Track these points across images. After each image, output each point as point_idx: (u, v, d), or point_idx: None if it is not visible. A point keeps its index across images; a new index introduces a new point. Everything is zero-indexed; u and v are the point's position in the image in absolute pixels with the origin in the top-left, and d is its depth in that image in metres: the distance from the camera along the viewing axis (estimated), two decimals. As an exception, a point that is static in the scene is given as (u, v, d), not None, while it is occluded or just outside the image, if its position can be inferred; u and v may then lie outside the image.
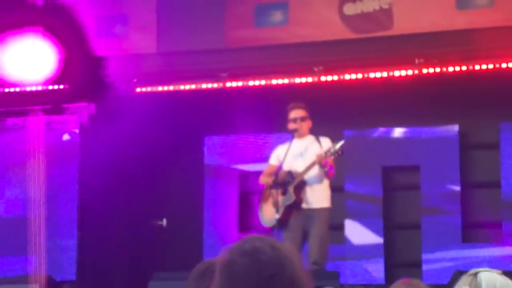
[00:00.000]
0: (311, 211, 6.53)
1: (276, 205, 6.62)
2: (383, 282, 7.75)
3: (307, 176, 6.60)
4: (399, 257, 8.14)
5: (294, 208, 6.55)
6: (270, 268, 1.74)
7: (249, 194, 7.78)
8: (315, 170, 6.57)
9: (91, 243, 8.27)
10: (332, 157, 6.47)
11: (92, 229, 8.28)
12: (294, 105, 6.83)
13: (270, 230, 6.60)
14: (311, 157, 6.61)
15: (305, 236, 6.51)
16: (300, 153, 6.71)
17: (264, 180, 6.84)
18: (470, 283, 2.39)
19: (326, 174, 6.55)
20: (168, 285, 6.92)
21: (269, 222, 6.69)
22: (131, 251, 8.51)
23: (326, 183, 6.62)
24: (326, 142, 6.73)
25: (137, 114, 8.16)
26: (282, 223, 6.54)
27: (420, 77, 7.83)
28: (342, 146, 6.48)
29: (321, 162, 6.47)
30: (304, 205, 6.55)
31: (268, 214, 6.72)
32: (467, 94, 7.92)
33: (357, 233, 8.20)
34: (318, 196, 6.58)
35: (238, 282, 1.75)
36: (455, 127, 8.12)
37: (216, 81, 8.24)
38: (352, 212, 8.23)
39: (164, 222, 8.66)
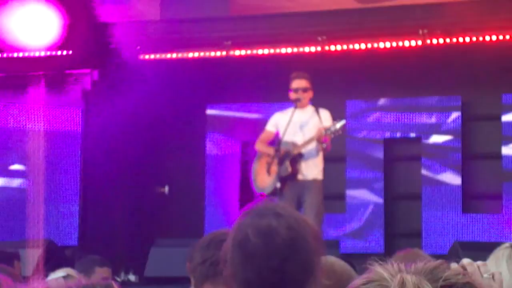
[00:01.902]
0: (306, 182, 6.70)
1: (270, 173, 6.80)
2: (382, 252, 7.85)
3: (304, 150, 6.77)
4: (399, 227, 8.31)
5: (289, 179, 6.73)
6: (283, 252, 1.76)
7: (251, 163, 7.73)
8: (313, 144, 6.75)
9: (94, 209, 8.40)
10: (332, 135, 6.63)
11: (94, 196, 8.41)
12: (297, 75, 6.95)
13: (265, 197, 6.78)
14: (310, 131, 6.75)
15: (299, 206, 6.63)
16: (300, 125, 6.85)
17: (259, 147, 6.95)
18: (509, 255, 2.31)
19: (323, 150, 6.74)
20: (169, 251, 7.07)
21: (263, 190, 6.86)
22: (133, 217, 8.64)
23: (320, 156, 6.80)
24: (325, 116, 6.86)
25: (140, 82, 8.23)
26: (277, 192, 6.72)
27: (424, 48, 7.92)
28: (342, 126, 6.64)
29: (320, 138, 6.65)
30: (299, 177, 6.73)
31: (263, 181, 6.89)
32: (471, 65, 8.01)
33: (358, 202, 8.34)
34: (313, 169, 6.74)
35: (250, 261, 1.77)
36: (458, 98, 8.27)
37: (220, 49, 8.29)
38: (353, 182, 8.37)
39: (166, 189, 8.77)
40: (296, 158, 6.80)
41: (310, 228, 1.85)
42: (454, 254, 6.13)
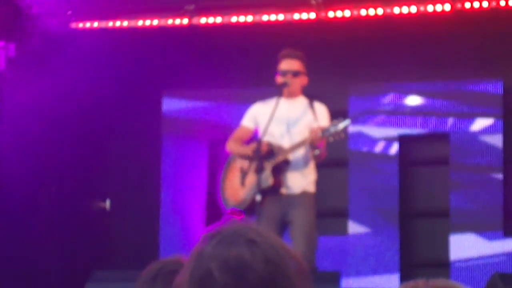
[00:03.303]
0: (292, 197, 6.64)
1: (245, 184, 6.69)
2: (397, 286, 7.82)
3: (292, 155, 6.63)
4: (419, 253, 8.29)
5: (269, 192, 6.62)
6: None
7: (221, 167, 7.62)
8: (303, 150, 6.63)
9: (5, 234, 8.23)
10: (331, 139, 6.44)
11: (9, 215, 8.24)
12: (287, 53, 6.73)
13: (242, 216, 6.70)
14: (301, 131, 6.62)
15: (283, 227, 6.59)
16: (288, 122, 6.65)
17: (233, 147, 6.81)
18: None
19: (316, 157, 6.56)
20: (110, 287, 6.88)
21: (235, 205, 6.82)
22: (62, 243, 8.54)
23: (312, 165, 6.68)
24: (322, 112, 6.68)
25: (72, 58, 8.20)
26: (253, 209, 6.63)
27: (454, 15, 7.89)
28: (346, 127, 6.44)
29: (314, 142, 6.46)
30: (283, 190, 6.65)
31: (235, 194, 6.84)
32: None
33: (364, 221, 8.34)
34: (301, 180, 6.66)
35: None
36: (499, 83, 8.16)
37: (180, 15, 8.30)
38: (358, 195, 8.35)
39: (107, 204, 8.81)
40: (279, 167, 6.59)
41: (294, 261, 1.80)
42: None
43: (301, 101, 6.68)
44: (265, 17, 8.18)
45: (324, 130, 6.41)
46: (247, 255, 1.76)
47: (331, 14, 8.05)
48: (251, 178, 6.61)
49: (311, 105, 6.68)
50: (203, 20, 8.27)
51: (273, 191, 6.58)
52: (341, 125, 6.39)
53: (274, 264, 1.77)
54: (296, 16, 8.11)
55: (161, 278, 2.55)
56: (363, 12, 7.98)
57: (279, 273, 1.76)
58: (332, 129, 6.40)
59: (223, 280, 1.74)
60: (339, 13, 8.02)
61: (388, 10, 7.94)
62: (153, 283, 2.56)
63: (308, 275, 1.83)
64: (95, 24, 8.46)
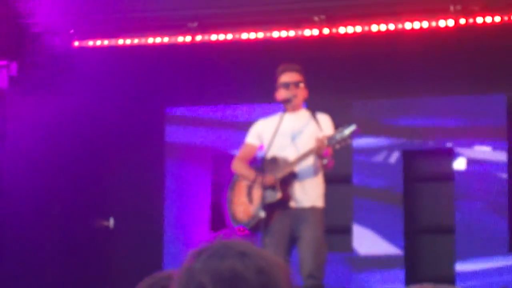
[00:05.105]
0: (301, 211, 6.57)
1: (252, 200, 6.68)
2: None
3: (298, 167, 6.57)
4: (425, 271, 8.23)
5: (278, 207, 6.57)
6: None
7: (225, 185, 7.54)
8: (310, 160, 6.57)
9: (13, 253, 8.23)
10: (338, 146, 6.39)
11: (11, 234, 8.22)
12: (286, 67, 6.76)
13: (246, 233, 6.69)
14: (305, 142, 6.58)
15: (291, 243, 6.55)
16: (292, 135, 6.64)
17: (238, 168, 6.81)
18: None
19: (323, 167, 6.53)
20: None
21: (243, 222, 6.75)
22: (65, 262, 8.50)
23: (320, 176, 6.64)
24: (325, 121, 6.67)
25: (75, 77, 8.21)
26: (262, 225, 6.57)
27: (457, 30, 7.79)
28: (352, 132, 6.36)
29: (320, 151, 6.39)
30: (292, 204, 6.58)
31: (242, 211, 6.77)
32: None
33: (369, 238, 8.30)
34: (310, 193, 6.61)
35: None
36: (502, 97, 8.13)
37: (182, 33, 8.27)
38: (362, 212, 8.31)
39: (111, 222, 8.80)
40: (287, 179, 6.55)
41: (283, 271, 1.80)
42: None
43: (304, 114, 6.69)
44: (268, 34, 8.13)
45: (330, 138, 6.36)
46: (240, 267, 1.76)
47: (334, 30, 7.98)
48: (258, 194, 6.60)
49: (314, 116, 6.68)
50: (205, 37, 8.22)
51: (281, 205, 6.55)
52: (347, 131, 6.33)
53: (266, 275, 1.77)
54: (300, 32, 8.05)
55: None
56: (366, 28, 7.91)
57: (271, 283, 1.76)
58: (338, 136, 6.35)
59: None
60: (342, 30, 7.95)
61: (391, 27, 7.85)
62: None
63: (296, 286, 1.84)
64: (98, 42, 8.40)
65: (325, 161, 6.40)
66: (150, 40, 8.35)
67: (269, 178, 6.51)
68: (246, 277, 1.75)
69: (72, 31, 8.33)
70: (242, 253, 1.79)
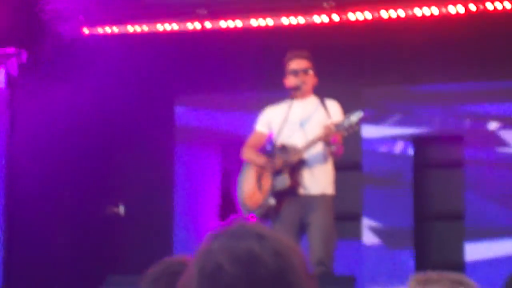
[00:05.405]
0: (311, 198, 6.56)
1: (262, 188, 6.67)
2: None
3: (307, 154, 6.56)
4: (434, 256, 8.22)
5: (288, 194, 6.58)
6: (269, 286, 1.74)
7: (235, 173, 7.55)
8: (319, 147, 6.56)
9: (22, 239, 8.25)
10: (346, 133, 6.38)
11: (24, 220, 8.22)
12: (295, 54, 6.73)
13: (255, 219, 6.64)
14: (314, 129, 6.55)
15: (301, 230, 6.54)
16: (301, 122, 6.62)
17: (248, 155, 6.80)
18: None
19: (332, 154, 6.52)
20: None
21: (253, 209, 6.74)
22: (77, 248, 8.52)
23: (330, 163, 6.63)
24: (334, 108, 6.64)
25: (84, 64, 8.19)
26: (271, 212, 6.60)
27: (471, 17, 7.79)
28: (360, 119, 6.35)
29: (328, 138, 6.40)
30: (301, 191, 6.57)
31: (252, 199, 6.77)
32: None
33: (379, 225, 8.31)
34: (319, 180, 6.60)
35: None
36: None
37: (192, 19, 8.28)
38: (372, 199, 8.28)
39: (122, 209, 8.80)
40: (296, 167, 6.54)
41: (300, 257, 1.81)
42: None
43: (313, 100, 6.67)
44: (277, 21, 8.10)
45: (337, 125, 6.35)
46: (257, 248, 1.77)
47: (343, 17, 7.95)
48: (268, 182, 6.61)
49: (323, 103, 6.66)
50: (214, 24, 8.21)
51: (291, 192, 6.54)
52: (354, 117, 6.31)
53: (282, 257, 1.77)
54: (309, 19, 8.02)
55: (165, 279, 2.53)
56: (376, 14, 7.88)
57: (288, 266, 1.77)
58: (346, 123, 6.33)
59: (234, 272, 1.75)
60: (351, 16, 7.92)
61: (401, 13, 7.83)
62: (156, 284, 2.55)
63: (312, 273, 1.83)
64: (107, 29, 8.39)
65: (333, 148, 6.39)
66: (160, 27, 8.33)
67: (279, 161, 6.50)
68: (263, 258, 1.76)
69: (81, 17, 8.34)
70: (260, 235, 1.80)
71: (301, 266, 1.81)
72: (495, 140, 8.11)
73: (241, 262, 1.75)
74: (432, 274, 2.80)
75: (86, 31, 8.40)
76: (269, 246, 1.77)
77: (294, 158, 6.52)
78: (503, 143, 8.10)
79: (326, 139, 6.37)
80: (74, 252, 8.45)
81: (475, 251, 7.99)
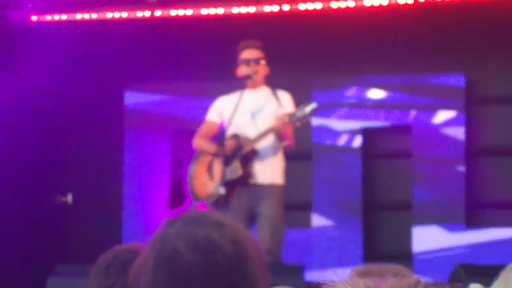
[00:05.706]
0: (260, 188, 6.60)
1: (213, 177, 6.69)
2: None
3: (259, 145, 6.60)
4: (382, 245, 8.27)
5: (238, 183, 6.60)
6: (229, 275, 1.73)
7: (185, 162, 7.55)
8: (270, 138, 6.60)
9: None
10: (298, 123, 6.39)
11: None
12: (247, 44, 6.74)
13: (205, 208, 6.64)
14: (266, 119, 6.59)
15: (251, 219, 6.55)
16: (252, 112, 6.63)
17: (199, 143, 6.80)
18: None
19: (284, 145, 6.56)
20: (73, 282, 6.72)
21: (204, 198, 6.74)
22: (24, 238, 8.44)
23: (280, 154, 6.67)
24: (286, 99, 6.65)
25: (33, 52, 8.13)
26: (221, 201, 6.61)
27: (419, 7, 7.87)
28: (313, 110, 6.37)
29: (280, 129, 6.42)
30: (251, 181, 6.62)
31: (203, 188, 6.79)
32: (481, 32, 7.94)
33: (327, 214, 8.31)
34: (269, 170, 6.63)
35: (183, 285, 1.70)
36: (461, 77, 8.16)
37: (142, 8, 8.24)
38: (321, 188, 8.32)
39: (69, 198, 8.74)
40: (248, 157, 6.56)
41: (256, 247, 1.82)
42: (456, 281, 6.01)
43: (264, 91, 6.68)
44: (228, 10, 8.09)
45: (290, 116, 6.36)
46: (216, 235, 1.77)
47: (294, 6, 7.94)
48: (219, 171, 6.61)
49: (275, 93, 6.67)
50: (164, 12, 8.17)
51: (242, 182, 6.57)
52: (307, 108, 6.33)
53: (241, 246, 1.78)
54: (260, 8, 8.03)
55: (115, 268, 2.52)
56: (326, 5, 7.90)
57: (245, 254, 1.78)
58: (299, 114, 6.34)
59: (192, 259, 1.74)
60: (301, 6, 7.92)
61: (350, 3, 7.84)
62: (106, 273, 2.53)
63: (266, 262, 1.87)
64: (56, 17, 8.32)
65: (284, 144, 6.45)
66: (109, 15, 8.27)
67: (230, 149, 6.51)
68: (222, 245, 1.76)
69: (30, 5, 8.27)
70: (218, 222, 1.80)
71: (257, 255, 1.82)
72: (442, 131, 8.16)
73: (200, 248, 1.74)
74: (372, 267, 2.82)
75: (34, 18, 8.33)
76: (228, 235, 1.77)
77: (246, 148, 6.54)
78: (449, 135, 8.16)
79: (279, 130, 6.40)
80: (22, 242, 8.37)
81: (423, 240, 8.01)
